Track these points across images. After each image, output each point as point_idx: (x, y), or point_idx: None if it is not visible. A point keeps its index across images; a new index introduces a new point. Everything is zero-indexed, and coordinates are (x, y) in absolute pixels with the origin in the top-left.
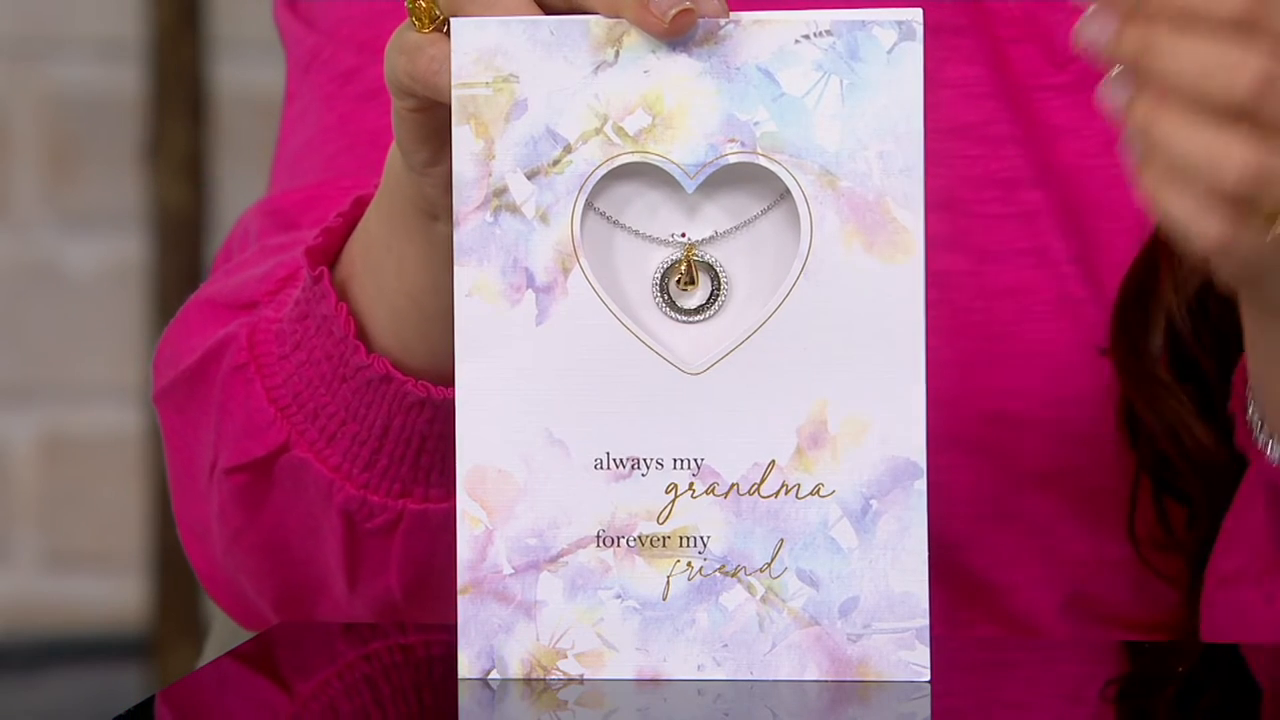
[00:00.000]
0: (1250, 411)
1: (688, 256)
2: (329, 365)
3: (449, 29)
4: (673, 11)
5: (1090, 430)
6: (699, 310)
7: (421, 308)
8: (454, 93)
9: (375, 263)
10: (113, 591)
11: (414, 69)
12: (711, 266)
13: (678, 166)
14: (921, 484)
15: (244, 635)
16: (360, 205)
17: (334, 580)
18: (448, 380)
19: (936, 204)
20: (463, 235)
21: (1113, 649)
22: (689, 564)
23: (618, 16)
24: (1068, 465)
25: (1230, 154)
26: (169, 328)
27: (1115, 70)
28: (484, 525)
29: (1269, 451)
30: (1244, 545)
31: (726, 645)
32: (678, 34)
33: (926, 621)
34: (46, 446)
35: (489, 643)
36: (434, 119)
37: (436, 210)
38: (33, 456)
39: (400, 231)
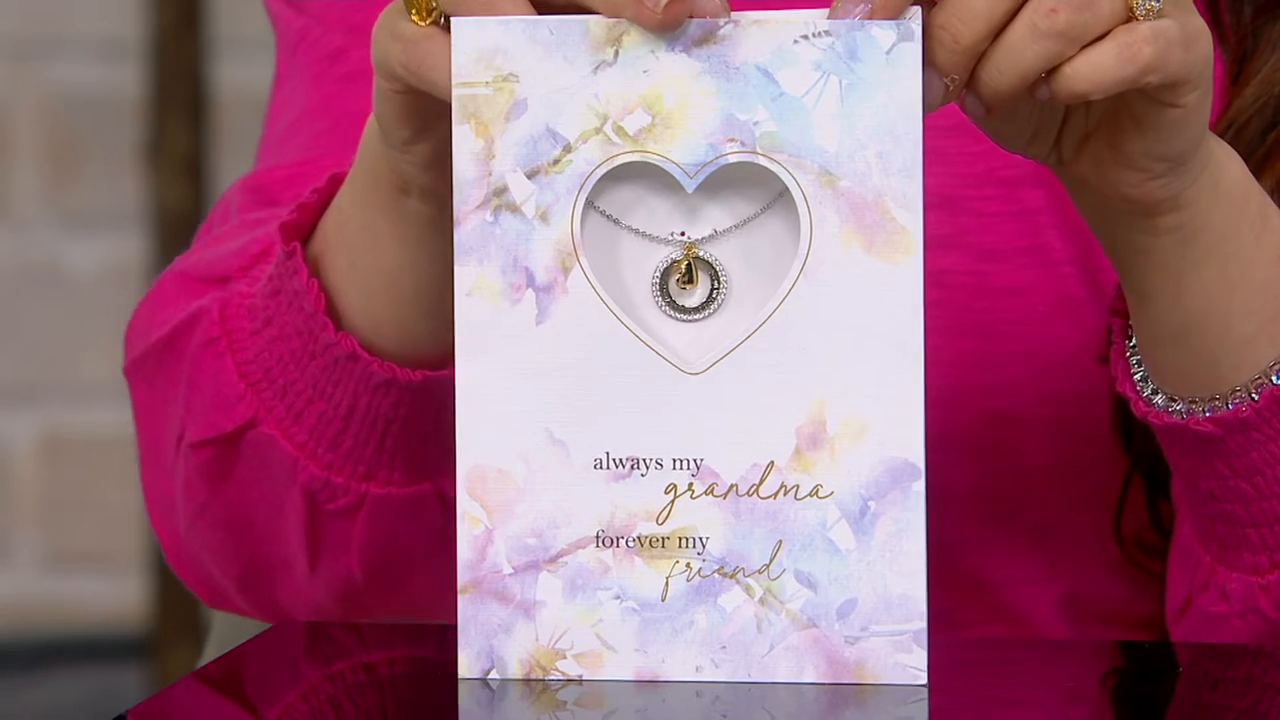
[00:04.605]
0: (1134, 366)
1: (687, 255)
2: (299, 341)
3: (445, 22)
4: (664, 1)
5: (1089, 429)
6: (699, 309)
7: (394, 286)
8: (454, 92)
9: (348, 239)
10: (113, 591)
11: (409, 61)
12: (711, 265)
13: (677, 166)
14: (920, 485)
15: (244, 635)
16: (336, 182)
17: (296, 560)
18: (418, 363)
19: (936, 202)
20: (463, 235)
21: (1110, 650)
22: (688, 565)
23: (614, 14)
24: (1066, 464)
25: None
26: (142, 300)
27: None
28: (484, 525)
29: (1156, 402)
30: (1181, 569)
31: (725, 647)
32: (670, 26)
33: (924, 624)
34: (46, 446)
35: (488, 643)
36: (417, 100)
37: (409, 186)
38: (33, 456)
39: (374, 207)
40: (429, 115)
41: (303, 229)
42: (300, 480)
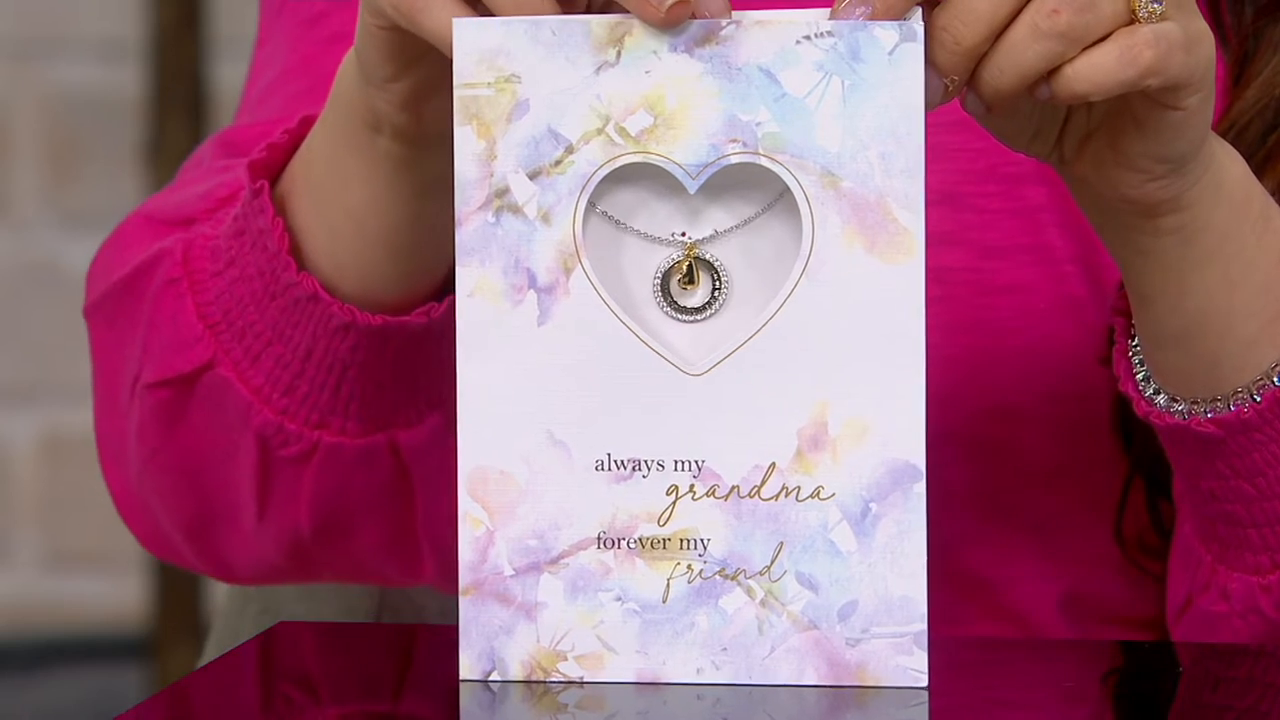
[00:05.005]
0: (1136, 366)
1: (688, 256)
2: (260, 282)
3: None
4: (669, 1)
5: (1090, 427)
6: (700, 310)
7: (360, 226)
8: (455, 93)
9: (316, 177)
10: (113, 591)
11: (400, 1)
12: (712, 265)
13: (680, 167)
14: (921, 487)
15: (244, 635)
16: (307, 124)
17: (244, 509)
18: (377, 308)
19: (938, 198)
20: (464, 236)
21: (1110, 650)
22: (689, 567)
23: (620, 8)
24: (1067, 462)
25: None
26: (106, 242)
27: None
28: (485, 526)
29: (1158, 403)
30: (1182, 569)
31: (726, 649)
32: (673, 24)
33: (925, 626)
34: (46, 446)
35: (490, 644)
36: (401, 39)
37: (382, 124)
38: (33, 456)
39: (344, 144)
40: (411, 55)
41: (271, 168)
42: (254, 425)
